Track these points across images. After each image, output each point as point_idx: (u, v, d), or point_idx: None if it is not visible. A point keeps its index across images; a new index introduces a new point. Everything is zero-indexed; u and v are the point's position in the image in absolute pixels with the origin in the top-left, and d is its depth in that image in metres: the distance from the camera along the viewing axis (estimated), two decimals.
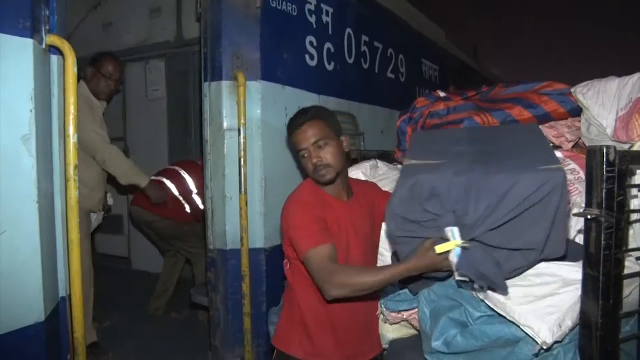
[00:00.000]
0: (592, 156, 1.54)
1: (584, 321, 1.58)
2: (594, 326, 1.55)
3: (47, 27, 1.76)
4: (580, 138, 2.44)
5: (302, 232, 1.77)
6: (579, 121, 2.40)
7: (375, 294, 1.97)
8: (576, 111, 2.41)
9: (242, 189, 2.62)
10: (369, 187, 2.17)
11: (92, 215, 3.28)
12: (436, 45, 5.55)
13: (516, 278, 1.70)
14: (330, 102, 3.36)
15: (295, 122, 1.91)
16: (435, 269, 1.61)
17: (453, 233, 1.54)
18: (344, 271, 1.68)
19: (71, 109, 1.78)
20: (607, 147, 1.52)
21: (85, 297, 2.37)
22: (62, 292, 1.89)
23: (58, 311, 1.87)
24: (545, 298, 1.62)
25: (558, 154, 2.28)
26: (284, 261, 2.04)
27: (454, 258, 1.55)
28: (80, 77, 3.04)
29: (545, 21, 17.14)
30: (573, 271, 1.66)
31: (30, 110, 1.64)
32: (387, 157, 2.95)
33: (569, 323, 1.58)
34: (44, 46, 1.74)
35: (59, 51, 1.82)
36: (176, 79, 4.90)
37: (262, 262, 2.74)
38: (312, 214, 1.81)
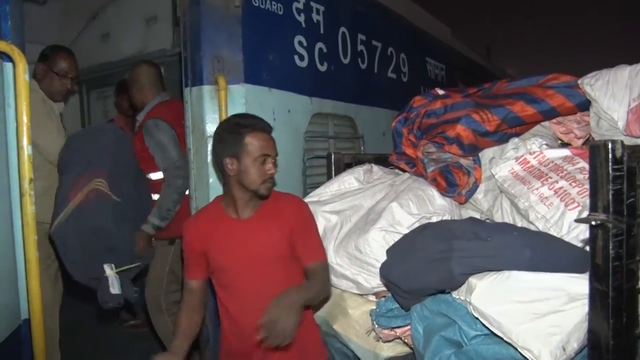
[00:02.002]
0: (595, 153, 1.36)
1: (592, 342, 1.39)
2: (604, 348, 1.36)
3: None
4: (590, 134, 2.24)
5: (184, 260, 2.00)
6: (589, 116, 2.20)
7: None
8: (585, 105, 2.22)
9: None
10: (288, 202, 2.05)
11: None
12: (441, 43, 5.36)
13: (516, 292, 1.52)
14: (325, 105, 3.20)
15: (262, 124, 1.88)
16: None
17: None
18: (180, 314, 1.98)
19: (24, 119, 1.65)
20: (613, 142, 1.33)
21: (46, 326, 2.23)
22: (24, 315, 1.76)
23: (20, 334, 1.75)
24: (548, 316, 1.44)
25: (566, 151, 2.10)
26: None
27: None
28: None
29: (566, 17, 16.62)
30: (580, 284, 1.47)
31: None
32: (384, 160, 2.76)
33: (574, 345, 1.39)
34: None
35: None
36: (174, 86, 4.78)
37: None
38: (190, 245, 1.95)
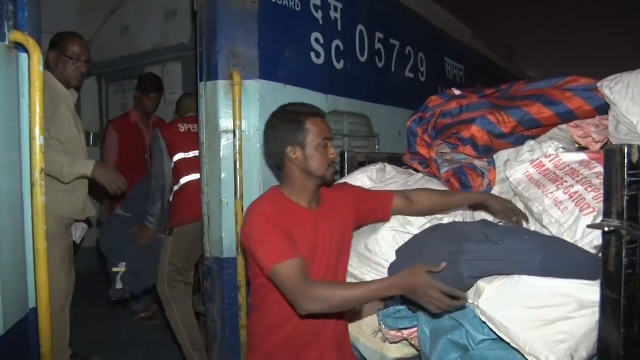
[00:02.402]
0: (610, 158, 1.32)
1: (602, 352, 1.35)
2: (614, 358, 1.32)
3: (12, 24, 1.66)
4: (608, 138, 2.18)
5: (268, 246, 1.64)
6: (608, 119, 2.15)
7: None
8: (604, 108, 2.17)
9: (238, 195, 2.46)
10: (340, 190, 2.01)
11: (75, 225, 2.83)
12: (461, 44, 5.29)
13: (525, 297, 1.49)
14: (340, 102, 3.18)
15: (318, 109, 1.82)
16: (416, 292, 1.45)
17: None
18: (322, 285, 1.58)
19: (37, 109, 1.67)
20: (629, 146, 1.29)
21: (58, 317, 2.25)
22: (32, 304, 1.78)
23: (28, 323, 1.76)
24: (557, 323, 1.41)
25: (583, 155, 2.05)
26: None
27: None
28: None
29: (591, 20, 16.19)
30: (591, 291, 1.43)
31: None
32: (398, 160, 2.73)
33: (583, 354, 1.36)
34: (7, 43, 1.63)
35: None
36: (192, 81, 4.80)
37: None
38: (278, 227, 1.68)
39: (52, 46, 2.75)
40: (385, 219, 2.07)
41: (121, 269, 3.26)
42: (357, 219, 1.98)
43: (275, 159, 1.85)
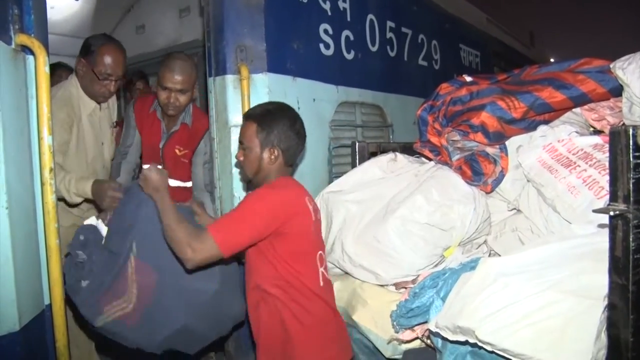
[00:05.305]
0: (615, 139, 1.28)
1: (612, 339, 1.32)
2: (624, 345, 1.29)
3: (17, 27, 1.70)
4: (622, 121, 2.13)
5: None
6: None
7: None
8: (619, 90, 2.11)
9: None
10: None
11: None
12: (476, 29, 5.20)
13: (523, 316, 1.42)
14: (352, 93, 3.16)
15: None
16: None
17: None
18: None
19: (44, 110, 1.70)
20: (634, 127, 1.25)
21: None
22: (47, 300, 1.83)
23: (43, 319, 1.81)
24: (566, 330, 1.33)
25: (597, 139, 2.00)
26: None
27: None
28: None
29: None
30: (572, 277, 1.38)
31: None
32: (410, 149, 2.71)
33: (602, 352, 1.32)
34: (13, 46, 1.67)
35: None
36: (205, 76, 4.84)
37: None
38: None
39: (83, 52, 2.42)
40: None
41: None
42: None
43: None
